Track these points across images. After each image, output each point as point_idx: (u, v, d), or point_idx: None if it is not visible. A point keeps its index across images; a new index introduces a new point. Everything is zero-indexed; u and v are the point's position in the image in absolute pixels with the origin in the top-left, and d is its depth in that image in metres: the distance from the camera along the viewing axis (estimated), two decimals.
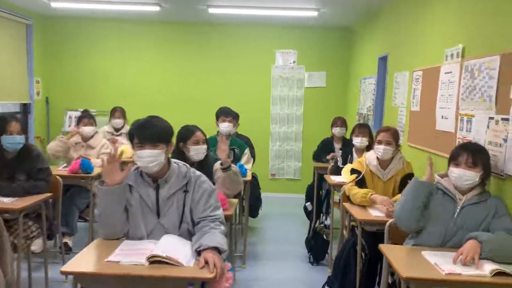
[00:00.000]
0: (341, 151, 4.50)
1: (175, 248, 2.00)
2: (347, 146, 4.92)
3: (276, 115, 6.85)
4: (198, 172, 2.30)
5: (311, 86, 6.77)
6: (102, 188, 2.08)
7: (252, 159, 4.69)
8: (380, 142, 3.09)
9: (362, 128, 4.34)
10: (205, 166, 3.12)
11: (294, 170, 6.92)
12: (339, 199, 3.62)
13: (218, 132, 4.41)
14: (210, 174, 3.13)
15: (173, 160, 2.27)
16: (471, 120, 2.69)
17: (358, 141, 4.28)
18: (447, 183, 2.40)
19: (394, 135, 3.11)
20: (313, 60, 6.74)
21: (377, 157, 3.14)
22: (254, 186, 4.99)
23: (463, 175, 2.26)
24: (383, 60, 4.95)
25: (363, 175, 3.14)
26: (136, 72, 6.72)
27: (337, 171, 4.34)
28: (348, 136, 5.19)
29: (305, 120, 6.84)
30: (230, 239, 3.51)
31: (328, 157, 5.00)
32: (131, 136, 2.15)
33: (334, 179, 4.12)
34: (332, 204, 4.34)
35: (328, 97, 6.79)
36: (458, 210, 2.31)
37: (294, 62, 6.74)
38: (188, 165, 2.31)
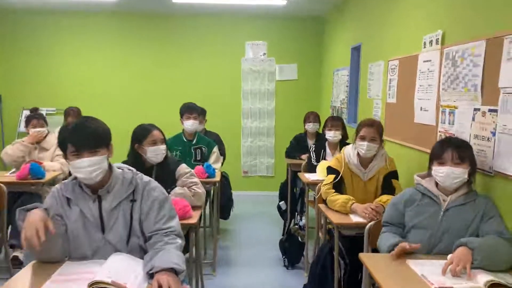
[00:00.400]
0: (314, 146, 4.25)
1: (124, 270, 1.70)
2: (320, 141, 4.70)
3: (247, 110, 6.56)
4: (146, 178, 2.00)
5: (283, 79, 6.51)
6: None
7: (221, 158, 4.40)
8: (363, 138, 2.79)
9: (335, 121, 4.11)
10: (165, 168, 2.81)
11: (267, 166, 6.67)
12: (314, 197, 3.39)
13: (183, 130, 4.10)
14: (171, 178, 2.83)
15: (115, 164, 1.95)
16: (453, 112, 2.48)
17: (331, 135, 4.05)
18: (428, 184, 2.18)
19: (379, 130, 2.83)
20: (284, 52, 6.47)
21: (358, 154, 2.87)
22: (224, 186, 4.70)
23: (451, 173, 2.04)
24: (356, 50, 4.73)
25: (341, 176, 2.88)
26: (96, 68, 6.31)
27: (311, 168, 4.10)
28: (321, 131, 4.97)
29: (277, 115, 6.58)
30: (197, 248, 3.22)
31: (302, 156, 4.76)
32: (62, 145, 1.79)
33: (309, 177, 3.88)
34: (307, 203, 4.11)
35: (300, 90, 6.55)
36: (442, 212, 2.10)
37: (264, 54, 6.46)
38: (134, 170, 2.01)
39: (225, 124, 6.30)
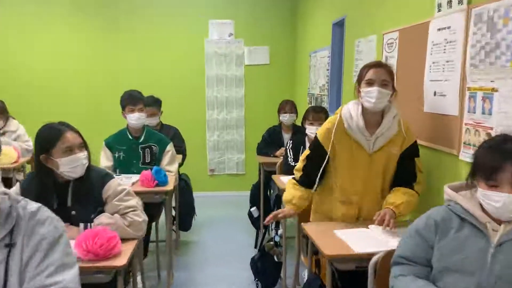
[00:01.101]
0: (291, 142, 3.49)
1: None
2: (298, 135, 3.96)
3: (213, 99, 5.73)
4: (34, 206, 1.24)
5: (253, 63, 5.70)
6: None
7: (178, 158, 3.59)
8: (370, 83, 2.04)
9: (318, 113, 3.36)
10: (87, 186, 1.98)
11: (237, 163, 5.88)
12: None
13: (127, 126, 3.26)
14: (95, 200, 2.00)
15: None
16: (490, 96, 1.75)
17: (313, 130, 3.29)
18: (469, 204, 1.46)
19: (391, 73, 2.09)
20: (254, 33, 5.65)
21: (362, 111, 2.09)
22: (184, 192, 3.90)
23: (510, 203, 1.32)
24: (339, 26, 3.98)
25: (328, 156, 2.18)
26: (29, 53, 5.32)
27: (288, 169, 3.34)
28: (299, 123, 4.22)
29: (247, 104, 5.78)
30: (142, 274, 2.42)
31: (277, 153, 4.00)
32: None
33: (285, 180, 3.12)
34: None
35: (273, 76, 5.76)
36: (493, 249, 1.38)
37: (231, 34, 5.63)
38: (12, 193, 1.23)
39: (186, 116, 5.49)
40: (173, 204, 3.68)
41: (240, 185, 5.76)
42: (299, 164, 2.31)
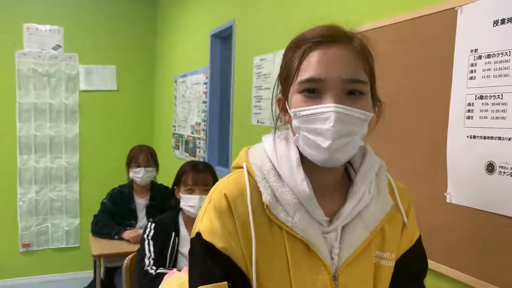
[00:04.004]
0: (151, 227, 1.96)
1: None
2: (164, 204, 2.52)
3: (29, 139, 3.86)
4: None
5: (92, 89, 4.03)
6: None
7: None
8: (315, 89, 0.74)
9: (201, 172, 1.91)
10: None
11: (68, 232, 4.03)
12: None
13: None
14: None
15: None
16: None
17: (194, 203, 1.85)
18: None
19: (366, 56, 0.77)
20: (94, 46, 4.02)
21: (302, 160, 0.79)
22: None
23: None
24: (220, 38, 2.69)
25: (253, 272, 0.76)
26: None
27: (144, 279, 1.81)
28: (162, 182, 2.77)
29: (83, 147, 4.04)
30: None
31: (124, 235, 2.45)
32: None
33: None
34: None
35: (121, 109, 4.15)
36: None
37: (59, 47, 3.90)
38: None
39: None
40: None
41: (72, 265, 3.96)
42: None
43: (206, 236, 0.77)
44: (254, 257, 0.75)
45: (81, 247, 4.02)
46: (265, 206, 0.76)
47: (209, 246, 0.76)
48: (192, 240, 0.80)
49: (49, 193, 3.93)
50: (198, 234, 0.78)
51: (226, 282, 0.74)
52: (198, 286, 0.75)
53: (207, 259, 0.76)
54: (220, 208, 0.77)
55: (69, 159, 3.97)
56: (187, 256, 2.04)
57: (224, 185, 0.80)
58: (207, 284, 0.74)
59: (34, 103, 3.83)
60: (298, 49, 0.75)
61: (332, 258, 0.77)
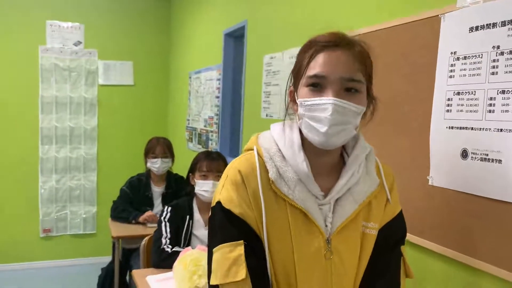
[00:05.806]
0: (170, 208, 2.14)
1: None
2: (178, 192, 2.69)
3: (50, 130, 4.07)
4: None
5: (110, 83, 4.23)
6: None
7: None
8: (319, 87, 0.90)
9: (214, 161, 2.10)
10: None
11: (85, 219, 4.24)
12: None
13: None
14: None
15: None
16: None
17: (208, 188, 2.03)
18: None
19: (365, 60, 0.91)
20: (112, 42, 4.21)
21: (303, 144, 0.95)
22: None
23: None
24: (233, 37, 2.85)
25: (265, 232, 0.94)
26: None
27: (161, 257, 1.99)
28: (178, 171, 2.96)
29: (102, 139, 4.24)
30: None
31: (140, 219, 2.63)
32: None
33: (157, 279, 1.79)
34: None
35: (138, 103, 4.35)
36: None
37: (79, 43, 4.10)
38: None
39: (11, 151, 3.78)
40: None
41: (89, 250, 4.17)
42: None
43: (225, 204, 0.94)
44: (265, 221, 0.92)
45: (98, 233, 4.23)
46: (271, 181, 0.93)
47: (228, 212, 0.93)
48: (212, 208, 0.98)
49: (68, 182, 4.15)
50: (219, 203, 0.95)
51: (242, 240, 0.91)
52: (219, 245, 0.93)
53: (226, 223, 0.93)
54: (236, 182, 0.94)
55: (87, 150, 4.18)
56: (200, 238, 2.24)
57: (238, 163, 0.97)
58: (227, 242, 0.92)
59: (55, 96, 4.04)
60: (309, 49, 0.92)
61: (326, 226, 0.94)
